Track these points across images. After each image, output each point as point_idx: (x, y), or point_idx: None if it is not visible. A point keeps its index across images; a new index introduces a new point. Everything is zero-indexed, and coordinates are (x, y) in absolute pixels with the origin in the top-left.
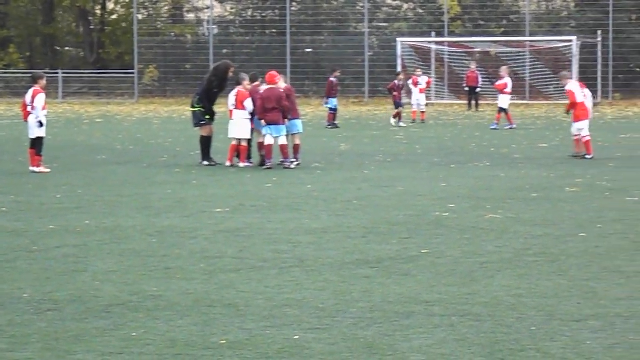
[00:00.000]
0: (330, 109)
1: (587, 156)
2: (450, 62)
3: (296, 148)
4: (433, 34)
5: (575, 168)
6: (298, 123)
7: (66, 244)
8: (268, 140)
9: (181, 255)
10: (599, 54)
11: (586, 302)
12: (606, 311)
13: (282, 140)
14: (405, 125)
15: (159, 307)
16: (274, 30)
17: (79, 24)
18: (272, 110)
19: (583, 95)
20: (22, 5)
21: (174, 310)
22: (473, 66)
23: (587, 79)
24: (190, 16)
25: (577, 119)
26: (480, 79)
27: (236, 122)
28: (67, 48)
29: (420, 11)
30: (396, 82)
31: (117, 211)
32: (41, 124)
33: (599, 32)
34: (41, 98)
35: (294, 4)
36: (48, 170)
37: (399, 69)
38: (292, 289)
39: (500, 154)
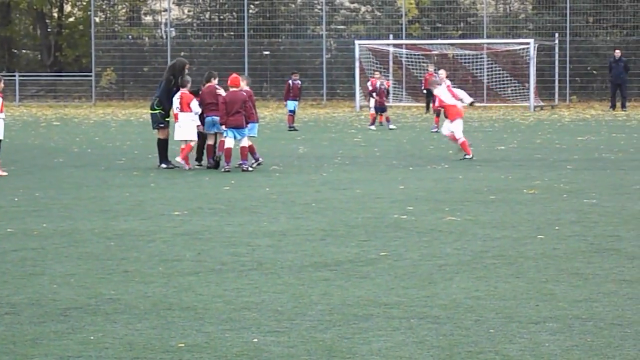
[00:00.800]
0: (289, 111)
1: (466, 156)
2: (408, 65)
3: (251, 149)
4: (391, 36)
5: (533, 170)
6: (256, 127)
7: (24, 247)
8: (228, 143)
9: (139, 258)
10: (556, 56)
11: (544, 304)
12: (564, 313)
13: (244, 142)
14: (395, 128)
15: (117, 311)
16: (231, 33)
17: (36, 26)
18: (235, 114)
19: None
20: None
21: (132, 314)
22: (431, 68)
23: (544, 82)
24: (148, 19)
25: (453, 118)
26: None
27: (182, 125)
28: (24, 51)
29: (378, 14)
30: (378, 84)
31: (74, 214)
32: None
33: (556, 35)
34: None
35: (251, 6)
36: (5, 173)
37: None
38: (251, 292)
39: (458, 156)
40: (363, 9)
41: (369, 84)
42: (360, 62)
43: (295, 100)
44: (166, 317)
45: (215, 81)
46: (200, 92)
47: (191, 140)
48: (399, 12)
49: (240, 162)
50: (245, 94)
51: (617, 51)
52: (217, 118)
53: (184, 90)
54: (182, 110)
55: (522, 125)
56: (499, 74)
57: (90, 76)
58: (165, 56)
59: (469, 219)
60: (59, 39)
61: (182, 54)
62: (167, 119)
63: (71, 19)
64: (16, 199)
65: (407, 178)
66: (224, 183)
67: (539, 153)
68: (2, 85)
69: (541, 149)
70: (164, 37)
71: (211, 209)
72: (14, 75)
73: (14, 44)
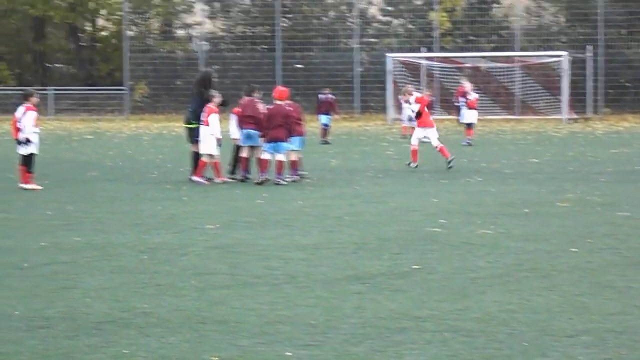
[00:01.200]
0: (323, 125)
1: (451, 164)
2: (441, 78)
3: (293, 164)
4: (423, 49)
5: (566, 183)
6: (300, 140)
7: (56, 261)
8: (264, 155)
9: (172, 271)
10: (589, 68)
11: (578, 318)
12: (598, 326)
13: (281, 156)
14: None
15: (150, 324)
16: (264, 46)
17: (70, 40)
18: (276, 127)
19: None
20: (12, 23)
21: (165, 327)
22: (463, 81)
23: (577, 94)
24: (181, 32)
25: (423, 126)
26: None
27: (202, 138)
28: (57, 65)
29: (411, 27)
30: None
31: (107, 228)
32: (28, 142)
33: (589, 47)
34: (31, 115)
35: (284, 20)
36: (39, 187)
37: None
38: (284, 306)
39: (491, 169)
40: (395, 22)
41: (401, 97)
42: (393, 75)
43: (328, 114)
44: (199, 331)
45: (258, 94)
46: (239, 104)
47: (210, 155)
48: (431, 25)
49: (277, 175)
50: (289, 107)
51: None
52: (253, 131)
53: (210, 104)
54: (204, 123)
55: (555, 137)
56: (532, 86)
57: (123, 90)
58: (197, 69)
59: (502, 232)
60: (92, 53)
61: (215, 67)
62: None
63: (104, 33)
64: (49, 213)
65: (440, 191)
66: (256, 196)
67: (572, 166)
68: (37, 99)
69: (574, 162)
70: (197, 50)
71: (244, 223)
72: (48, 89)
73: (48, 58)
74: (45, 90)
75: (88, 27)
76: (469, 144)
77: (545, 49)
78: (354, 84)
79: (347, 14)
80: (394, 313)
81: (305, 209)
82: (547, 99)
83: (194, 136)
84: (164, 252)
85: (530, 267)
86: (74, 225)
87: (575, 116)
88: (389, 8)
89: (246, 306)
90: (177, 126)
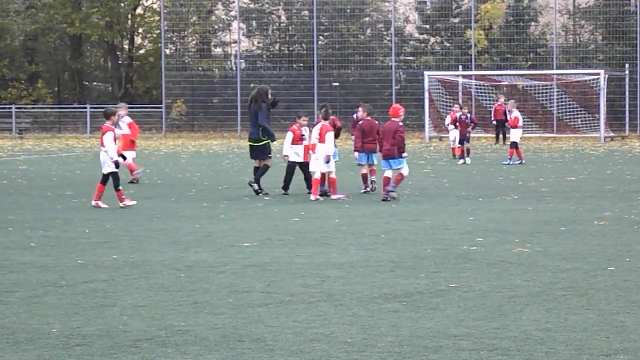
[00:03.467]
0: None
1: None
2: (478, 96)
3: (331, 182)
4: (460, 67)
5: (604, 201)
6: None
7: (94, 279)
8: (386, 173)
9: (209, 289)
10: (627, 86)
11: (615, 337)
12: (636, 345)
13: (389, 173)
14: (470, 162)
15: (187, 342)
16: (301, 64)
17: (107, 58)
18: (390, 144)
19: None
20: (50, 41)
21: (202, 345)
22: (501, 99)
23: (614, 112)
24: (218, 50)
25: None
26: (508, 113)
27: (318, 156)
28: (95, 83)
29: (447, 44)
30: (458, 114)
31: (145, 246)
32: (116, 163)
33: (627, 65)
34: (110, 136)
35: (320, 38)
36: (132, 202)
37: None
38: (320, 324)
39: (528, 188)
40: (432, 40)
41: (447, 118)
42: (430, 93)
43: None
44: (236, 349)
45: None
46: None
47: (328, 172)
48: (468, 43)
49: (390, 188)
50: (399, 124)
51: None
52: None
53: (324, 122)
54: (320, 141)
55: (592, 156)
56: (569, 104)
57: (161, 108)
58: (235, 87)
59: (539, 250)
60: (130, 71)
61: (252, 85)
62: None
63: (142, 51)
64: (87, 231)
65: (477, 209)
66: (293, 214)
67: (610, 184)
68: (116, 118)
69: (612, 180)
70: (234, 68)
71: (281, 240)
72: (86, 108)
73: (85, 76)
74: (83, 108)
75: (125, 45)
76: (521, 163)
77: (582, 67)
78: (391, 102)
79: (383, 32)
80: (430, 331)
81: (342, 227)
82: (584, 117)
83: (266, 152)
84: (201, 270)
85: (568, 286)
86: (112, 243)
87: (612, 134)
88: (426, 26)
89: (283, 324)
90: (215, 144)
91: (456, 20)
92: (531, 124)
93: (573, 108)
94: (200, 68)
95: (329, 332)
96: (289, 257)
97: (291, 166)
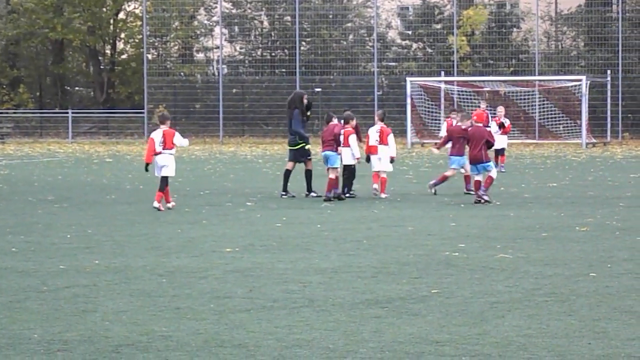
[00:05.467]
0: None
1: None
2: (460, 102)
3: (332, 183)
4: (442, 73)
5: (585, 208)
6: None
7: (76, 284)
8: (477, 177)
9: (191, 295)
10: (609, 93)
11: (597, 343)
12: (617, 351)
13: (482, 175)
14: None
15: (169, 348)
16: (283, 70)
17: (89, 63)
18: (478, 149)
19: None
20: (32, 46)
21: (184, 351)
22: (483, 105)
23: (596, 118)
24: (200, 56)
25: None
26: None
27: (381, 157)
28: (77, 88)
29: (430, 50)
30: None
31: (126, 251)
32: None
33: (609, 72)
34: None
35: (303, 43)
36: (172, 204)
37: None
38: (302, 329)
39: (510, 194)
40: (414, 45)
41: (443, 125)
42: (412, 99)
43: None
44: (218, 355)
45: (335, 120)
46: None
47: (384, 171)
48: (450, 49)
49: (483, 191)
50: (487, 129)
51: None
52: (329, 153)
53: (382, 125)
54: (380, 142)
55: (574, 162)
56: (551, 110)
57: (143, 113)
58: (217, 93)
59: (521, 257)
60: (112, 76)
61: (234, 90)
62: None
63: (124, 56)
64: (68, 236)
65: (459, 215)
66: (275, 220)
67: (592, 190)
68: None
69: (593, 186)
70: (216, 74)
71: (263, 246)
72: (67, 113)
73: (67, 81)
74: (65, 113)
75: (108, 51)
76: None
77: (564, 73)
78: (374, 108)
79: (366, 38)
80: (412, 337)
81: (324, 233)
82: (566, 124)
83: (304, 155)
84: (182, 275)
85: (549, 292)
86: (94, 248)
87: (594, 140)
88: (408, 32)
89: (264, 330)
90: (197, 149)
91: (438, 26)
92: (513, 130)
93: (555, 114)
94: (182, 73)
95: (310, 338)
96: (271, 262)
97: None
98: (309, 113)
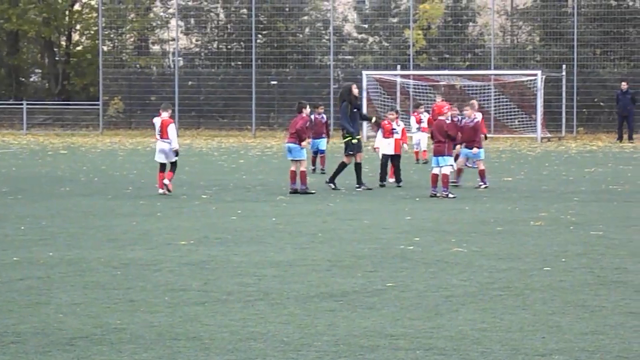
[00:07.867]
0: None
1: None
2: (416, 95)
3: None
4: (398, 67)
5: (540, 202)
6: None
7: (30, 276)
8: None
9: (145, 287)
10: (564, 88)
11: (551, 337)
12: (571, 345)
13: (445, 170)
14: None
15: (122, 340)
16: (239, 62)
17: (44, 55)
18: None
19: None
20: None
21: (137, 344)
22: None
23: (551, 113)
24: (156, 48)
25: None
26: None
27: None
28: (31, 79)
29: (386, 44)
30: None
31: (81, 243)
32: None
33: (564, 67)
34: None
35: (259, 36)
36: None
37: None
38: (257, 323)
39: (465, 187)
40: (371, 39)
41: (412, 119)
42: (368, 93)
43: (321, 138)
44: (172, 347)
45: (307, 110)
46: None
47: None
48: (406, 42)
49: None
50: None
51: (624, 83)
52: (292, 145)
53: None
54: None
55: (529, 156)
56: (506, 105)
57: (98, 105)
58: (172, 85)
59: (476, 250)
60: (67, 68)
61: (190, 83)
62: (354, 142)
63: (79, 48)
64: (22, 228)
65: (414, 209)
66: (230, 213)
67: (546, 185)
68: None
69: (548, 181)
70: (172, 66)
71: (218, 239)
72: (22, 104)
73: (22, 73)
74: (19, 104)
75: (63, 42)
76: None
77: (520, 68)
78: (330, 101)
79: (322, 31)
80: (367, 331)
81: (279, 226)
82: (521, 118)
83: (347, 149)
84: (137, 268)
85: (504, 286)
86: (48, 240)
87: (549, 135)
88: (364, 26)
89: (219, 323)
90: (152, 142)
91: (395, 20)
92: None
93: (510, 108)
94: (138, 65)
95: (265, 331)
96: (225, 255)
97: (385, 159)
98: (359, 103)
